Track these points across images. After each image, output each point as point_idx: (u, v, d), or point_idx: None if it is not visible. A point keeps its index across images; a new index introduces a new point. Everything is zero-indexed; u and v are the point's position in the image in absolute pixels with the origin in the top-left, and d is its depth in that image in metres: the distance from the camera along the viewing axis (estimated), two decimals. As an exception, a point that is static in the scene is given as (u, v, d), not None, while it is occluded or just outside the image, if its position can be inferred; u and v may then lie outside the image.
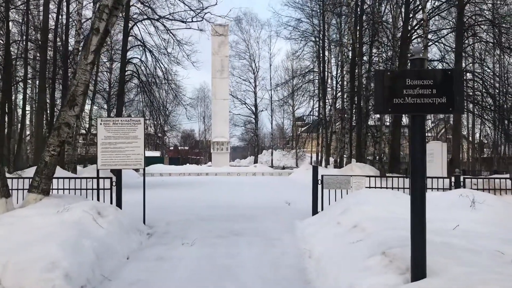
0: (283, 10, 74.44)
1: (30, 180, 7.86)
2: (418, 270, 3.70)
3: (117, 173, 8.67)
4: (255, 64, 47.31)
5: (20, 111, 25.61)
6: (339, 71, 34.25)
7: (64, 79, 20.16)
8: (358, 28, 28.54)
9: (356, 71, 27.74)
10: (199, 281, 4.89)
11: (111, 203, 8.48)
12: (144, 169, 7.62)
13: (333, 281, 4.34)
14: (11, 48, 19.96)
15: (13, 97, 23.61)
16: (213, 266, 5.50)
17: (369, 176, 9.96)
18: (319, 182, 9.44)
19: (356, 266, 4.29)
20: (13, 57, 18.34)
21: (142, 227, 7.63)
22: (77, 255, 4.63)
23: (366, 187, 9.37)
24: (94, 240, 5.36)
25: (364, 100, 27.38)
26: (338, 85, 33.63)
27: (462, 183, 9.51)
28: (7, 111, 18.64)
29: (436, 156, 16.03)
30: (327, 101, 34.13)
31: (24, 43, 21.07)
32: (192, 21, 19.18)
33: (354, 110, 28.78)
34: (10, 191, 7.39)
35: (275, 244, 6.87)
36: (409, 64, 3.93)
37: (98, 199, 7.86)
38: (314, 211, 9.32)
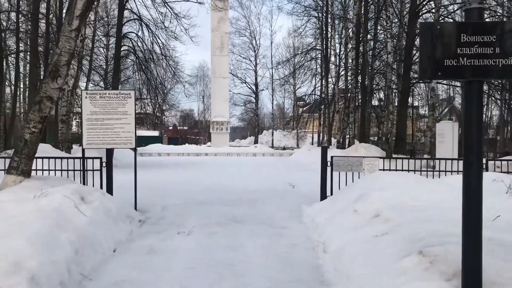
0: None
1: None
2: (472, 277, 2.93)
3: (107, 152, 7.88)
4: (255, 42, 46.04)
5: (13, 88, 24.66)
6: (342, 48, 33.16)
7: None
8: (363, 2, 27.45)
9: (361, 48, 26.74)
10: (195, 282, 4.13)
11: (101, 186, 7.73)
12: (135, 149, 6.80)
13: (359, 286, 3.56)
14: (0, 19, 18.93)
15: (5, 73, 22.61)
16: (212, 261, 4.75)
17: (383, 158, 9.16)
18: (328, 163, 8.62)
19: (387, 268, 3.53)
20: (2, 29, 17.24)
21: (134, 214, 6.85)
22: (49, 252, 3.85)
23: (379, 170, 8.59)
24: (74, 231, 4.58)
25: (369, 78, 26.43)
26: (341, 62, 32.59)
27: (484, 166, 8.72)
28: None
29: (447, 137, 15.22)
30: (329, 79, 33.17)
31: (15, 14, 19.94)
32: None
33: (358, 89, 27.88)
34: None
35: (282, 233, 6.11)
36: (463, 15, 3.08)
37: (84, 183, 7.05)
38: (323, 196, 8.54)
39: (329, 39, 33.29)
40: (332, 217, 6.02)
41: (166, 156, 30.55)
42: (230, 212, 7.80)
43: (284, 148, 40.61)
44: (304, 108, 44.95)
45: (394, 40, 23.06)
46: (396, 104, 24.73)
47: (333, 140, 37.48)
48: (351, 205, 5.84)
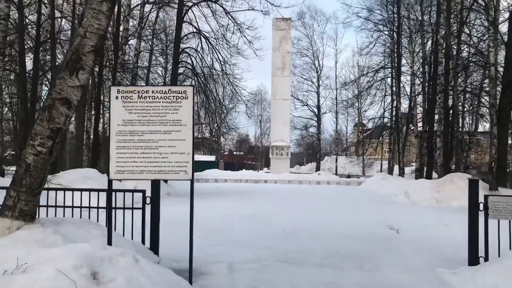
0: (352, 1, 69.46)
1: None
2: None
3: (153, 185, 5.38)
4: (318, 62, 43.36)
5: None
6: (418, 65, 29.79)
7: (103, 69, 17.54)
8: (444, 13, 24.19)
9: (443, 63, 23.33)
10: None
11: (143, 238, 5.23)
12: (192, 182, 4.18)
13: None
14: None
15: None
16: None
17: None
18: (481, 207, 5.61)
19: None
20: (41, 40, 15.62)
21: (186, 286, 4.20)
22: None
23: None
24: None
25: (455, 97, 22.90)
26: (418, 81, 29.19)
27: None
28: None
29: None
30: (401, 100, 29.92)
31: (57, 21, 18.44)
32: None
33: (441, 110, 24.34)
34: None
35: None
36: None
37: (109, 229, 4.51)
38: (473, 258, 5.53)
39: (401, 56, 30.15)
40: None
41: (223, 183, 28.30)
42: (335, 280, 5.00)
43: (348, 176, 37.28)
44: (367, 132, 41.53)
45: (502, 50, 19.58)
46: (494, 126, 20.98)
47: (407, 169, 33.86)
48: None
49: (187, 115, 4.16)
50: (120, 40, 18.13)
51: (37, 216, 4.76)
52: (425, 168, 25.92)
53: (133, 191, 5.72)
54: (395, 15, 29.92)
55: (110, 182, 4.18)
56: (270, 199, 16.10)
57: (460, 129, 23.54)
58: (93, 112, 19.98)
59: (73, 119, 25.00)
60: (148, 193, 5.53)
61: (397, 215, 11.81)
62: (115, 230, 5.60)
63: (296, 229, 8.86)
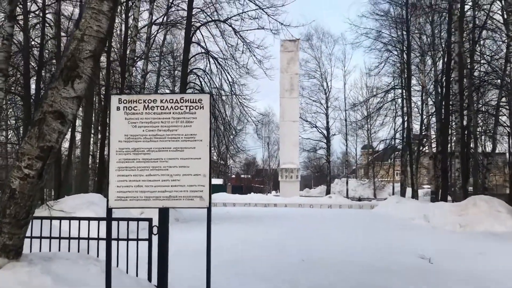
0: (361, 22, 69.58)
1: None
2: None
3: (161, 214, 4.65)
4: (327, 84, 42.87)
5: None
6: (430, 85, 29.14)
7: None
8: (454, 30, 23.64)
9: (454, 82, 22.64)
10: None
11: (149, 273, 4.50)
12: (209, 211, 3.41)
13: None
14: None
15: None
16: None
17: None
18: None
19: None
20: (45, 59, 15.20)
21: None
22: None
23: None
24: None
25: (474, 117, 22.13)
26: (431, 101, 28.47)
27: None
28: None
29: None
30: (412, 120, 29.22)
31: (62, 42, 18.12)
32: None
33: (458, 130, 23.55)
34: None
35: None
36: None
37: (107, 271, 3.76)
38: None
39: (411, 76, 29.59)
40: None
41: (231, 207, 27.47)
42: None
43: (360, 199, 36.32)
44: (376, 154, 40.68)
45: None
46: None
47: (421, 192, 32.87)
48: None
49: (203, 129, 3.46)
50: (127, 61, 17.69)
51: (24, 251, 4.06)
52: (440, 191, 25.00)
53: (138, 219, 5.01)
54: (404, 35, 29.49)
55: (109, 211, 3.47)
56: (282, 224, 15.27)
57: (474, 150, 22.66)
58: (99, 136, 19.42)
59: (78, 142, 24.52)
60: (156, 222, 4.82)
61: (420, 241, 11.02)
62: (117, 266, 4.87)
63: (316, 258, 8.05)
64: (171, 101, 3.53)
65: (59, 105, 3.80)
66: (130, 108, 3.51)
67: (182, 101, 3.52)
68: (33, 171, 3.71)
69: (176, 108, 3.51)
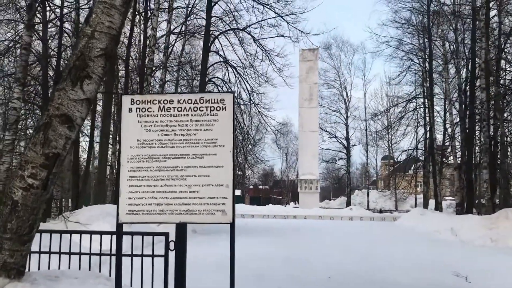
0: (382, 31, 68.82)
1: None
2: None
3: (178, 229, 4.24)
4: (346, 93, 42.27)
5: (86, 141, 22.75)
6: (453, 94, 28.34)
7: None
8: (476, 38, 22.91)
9: (478, 91, 21.88)
10: None
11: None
12: (232, 227, 2.97)
13: None
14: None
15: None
16: None
17: None
18: None
19: None
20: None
21: None
22: None
23: None
24: None
25: (501, 126, 21.29)
26: (455, 110, 27.67)
27: None
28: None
29: None
30: (436, 130, 28.49)
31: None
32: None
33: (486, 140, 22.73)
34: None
35: None
36: None
37: (117, 285, 3.34)
38: None
39: (433, 85, 28.89)
40: None
41: (250, 218, 26.95)
42: None
43: (381, 211, 35.44)
44: (397, 165, 39.78)
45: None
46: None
47: (445, 204, 31.92)
48: None
49: (225, 132, 3.05)
50: (145, 71, 17.53)
51: (32, 268, 3.70)
52: (465, 203, 24.14)
53: (153, 234, 4.60)
54: (426, 43, 28.85)
55: (119, 226, 3.06)
56: (303, 237, 14.73)
57: (501, 161, 21.79)
58: (118, 147, 19.30)
59: (96, 153, 24.44)
60: (173, 235, 4.41)
61: (450, 256, 10.42)
62: (131, 284, 4.48)
63: (343, 275, 7.53)
64: (189, 101, 3.13)
65: (66, 108, 3.44)
66: (143, 110, 3.13)
67: (201, 101, 3.11)
68: (37, 181, 3.35)
69: (195, 109, 3.11)
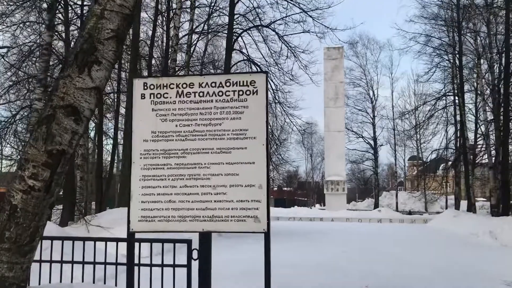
0: (409, 27, 67.05)
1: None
2: None
3: (202, 238, 3.73)
4: (373, 92, 41.23)
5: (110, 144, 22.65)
6: (486, 90, 27.14)
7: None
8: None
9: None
10: None
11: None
12: (267, 236, 2.45)
13: None
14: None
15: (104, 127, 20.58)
16: None
17: None
18: None
19: None
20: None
21: None
22: None
23: None
24: None
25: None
26: (488, 107, 26.47)
27: None
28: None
29: None
30: (467, 128, 27.34)
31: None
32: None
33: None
34: None
35: None
36: None
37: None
38: None
39: (464, 82, 27.72)
40: None
41: (275, 221, 26.35)
42: None
43: (410, 213, 34.32)
44: (425, 165, 38.51)
45: None
46: None
47: (478, 204, 30.70)
48: None
49: (257, 122, 2.50)
50: (168, 70, 17.21)
51: (42, 280, 3.24)
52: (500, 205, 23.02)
53: (174, 241, 4.10)
54: (456, 38, 27.76)
55: (130, 236, 2.56)
56: (334, 241, 14.07)
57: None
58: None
59: (121, 156, 24.25)
60: (195, 242, 3.90)
61: (495, 262, 9.68)
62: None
63: (382, 284, 6.90)
64: (213, 84, 2.59)
65: (72, 98, 2.97)
66: (158, 96, 2.63)
67: (228, 84, 2.57)
68: (39, 182, 2.89)
69: (221, 94, 2.57)
